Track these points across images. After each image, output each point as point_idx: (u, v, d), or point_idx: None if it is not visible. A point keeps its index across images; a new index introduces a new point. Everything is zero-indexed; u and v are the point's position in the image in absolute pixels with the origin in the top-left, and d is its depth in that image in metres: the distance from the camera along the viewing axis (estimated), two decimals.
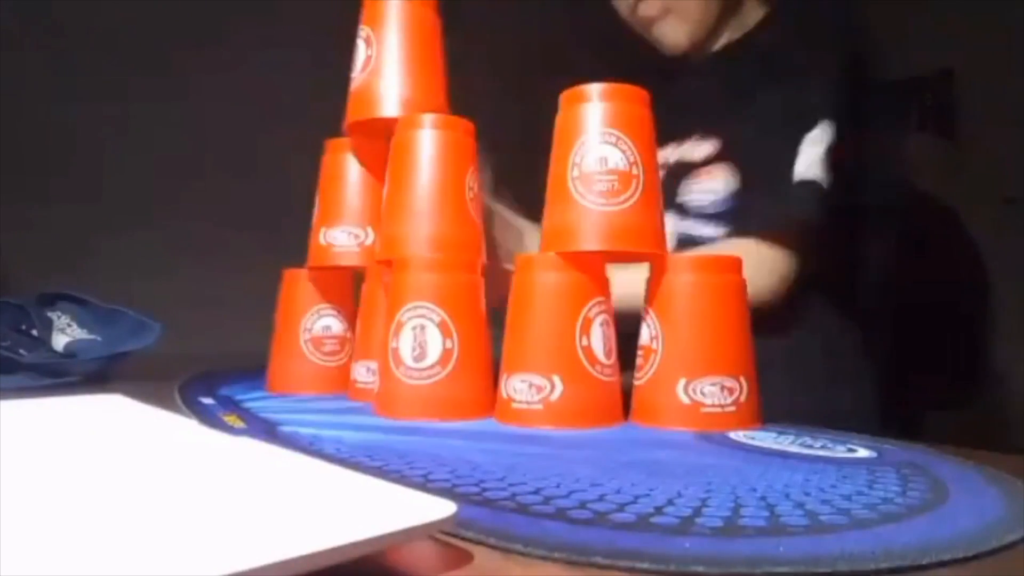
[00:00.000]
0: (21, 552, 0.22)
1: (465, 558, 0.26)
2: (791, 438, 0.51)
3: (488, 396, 0.56)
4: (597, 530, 0.29)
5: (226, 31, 1.77)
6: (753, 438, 0.51)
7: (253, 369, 0.83)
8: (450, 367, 0.54)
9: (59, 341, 0.79)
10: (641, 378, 0.56)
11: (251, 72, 1.80)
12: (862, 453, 0.46)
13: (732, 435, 0.52)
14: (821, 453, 0.46)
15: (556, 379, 0.53)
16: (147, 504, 0.28)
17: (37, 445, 0.40)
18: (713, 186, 0.77)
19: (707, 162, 0.78)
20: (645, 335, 0.56)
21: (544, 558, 0.26)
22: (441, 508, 0.26)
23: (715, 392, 0.53)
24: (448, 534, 0.28)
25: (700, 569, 0.25)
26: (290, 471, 0.32)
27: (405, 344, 0.55)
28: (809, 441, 0.50)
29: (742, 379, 0.54)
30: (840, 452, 0.47)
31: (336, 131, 0.74)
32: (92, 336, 0.81)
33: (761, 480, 0.38)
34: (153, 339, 0.81)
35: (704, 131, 0.80)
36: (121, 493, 0.30)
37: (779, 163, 0.72)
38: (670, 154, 0.82)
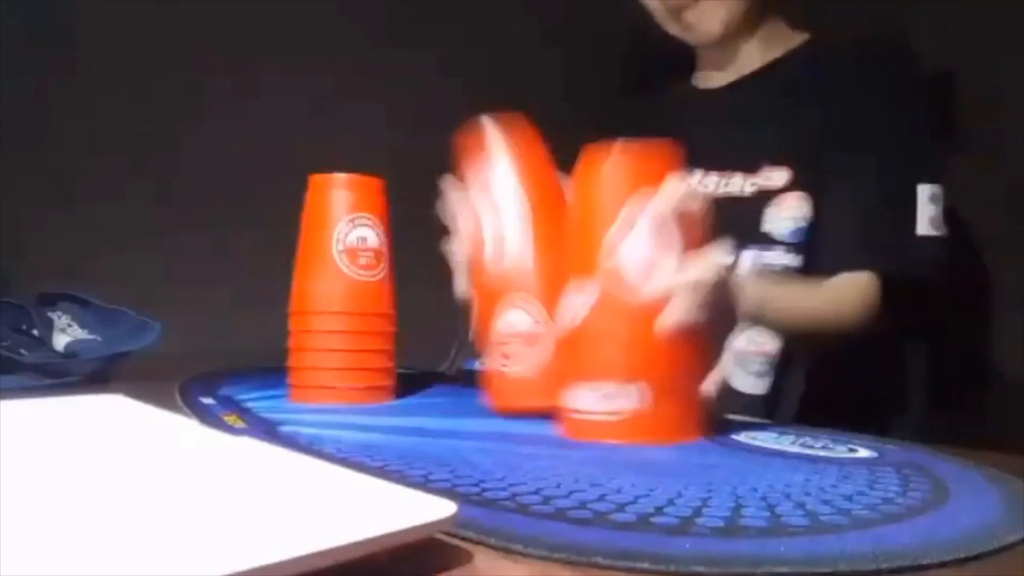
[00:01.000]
0: (22, 552, 0.22)
1: (464, 558, 0.26)
2: (792, 438, 0.51)
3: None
4: (597, 530, 0.29)
5: (242, 42, 1.77)
6: (755, 438, 0.51)
7: (253, 369, 0.83)
8: None
9: (60, 341, 0.79)
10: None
11: (257, 75, 1.80)
12: (863, 453, 0.46)
13: (733, 435, 0.52)
14: (822, 453, 0.46)
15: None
16: (147, 504, 0.28)
17: (38, 445, 0.40)
18: (792, 214, 0.75)
19: (783, 190, 0.76)
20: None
21: (544, 558, 0.26)
22: (441, 508, 0.26)
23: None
24: (448, 534, 0.28)
25: (700, 569, 0.25)
26: (290, 471, 0.32)
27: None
28: (810, 441, 0.50)
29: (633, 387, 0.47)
30: (841, 452, 0.47)
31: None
32: (92, 336, 0.81)
33: (762, 480, 0.38)
34: (153, 339, 0.81)
35: (772, 160, 0.77)
36: (121, 493, 0.30)
37: (895, 209, 0.73)
38: (739, 183, 0.79)
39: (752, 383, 0.77)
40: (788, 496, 0.35)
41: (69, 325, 0.80)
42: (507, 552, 0.27)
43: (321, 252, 0.63)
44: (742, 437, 0.51)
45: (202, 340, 1.05)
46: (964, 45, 2.16)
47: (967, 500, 0.36)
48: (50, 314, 0.81)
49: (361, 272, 0.63)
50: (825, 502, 0.34)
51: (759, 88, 0.82)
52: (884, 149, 0.74)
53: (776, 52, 0.84)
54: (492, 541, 0.27)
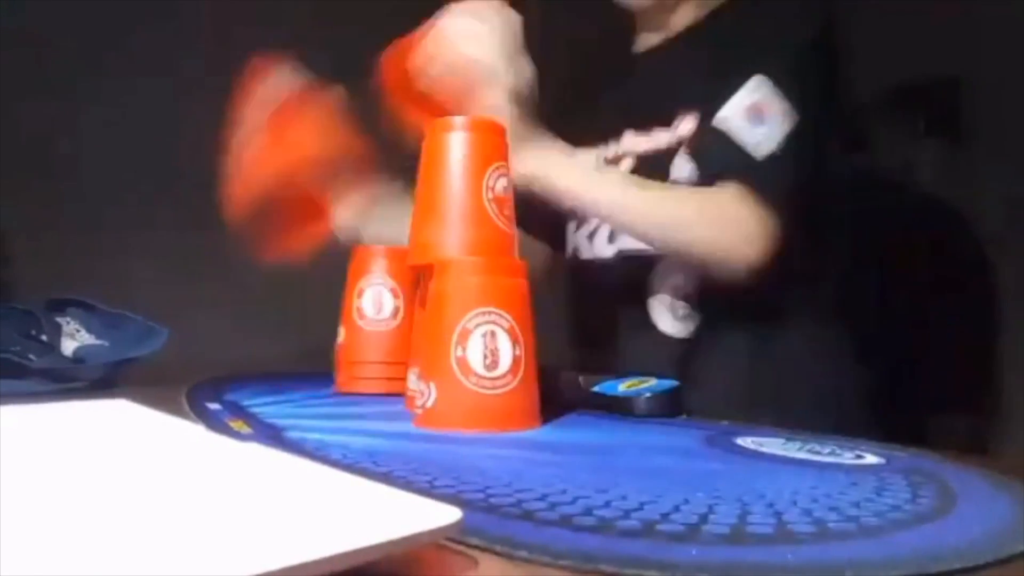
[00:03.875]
0: (28, 556, 0.22)
1: (469, 565, 0.26)
2: (798, 444, 0.50)
3: (538, 405, 0.56)
4: (603, 537, 0.29)
5: (238, 36, 1.77)
6: (760, 444, 0.50)
7: (260, 375, 0.83)
8: (520, 376, 0.53)
9: (67, 346, 0.79)
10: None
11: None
12: (870, 460, 0.46)
13: (739, 441, 0.52)
14: (829, 459, 0.46)
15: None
16: (152, 509, 0.28)
17: (45, 449, 0.41)
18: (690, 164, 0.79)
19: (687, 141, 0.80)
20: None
21: (549, 565, 0.26)
22: (446, 514, 0.26)
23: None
24: (455, 541, 0.28)
25: None
26: (295, 477, 0.32)
27: (475, 352, 0.52)
28: (816, 447, 0.49)
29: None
30: (848, 458, 0.46)
31: None
32: (100, 341, 0.81)
33: (768, 486, 0.38)
34: (160, 344, 0.81)
35: (685, 114, 0.81)
36: (127, 498, 0.30)
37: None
38: (661, 138, 0.82)
39: (678, 327, 0.82)
40: (795, 503, 0.35)
41: (77, 330, 0.81)
42: (512, 559, 0.27)
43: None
44: (748, 443, 0.51)
45: (208, 346, 1.05)
46: (970, 49, 2.15)
47: (975, 507, 0.36)
48: (58, 319, 0.81)
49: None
50: (832, 509, 0.34)
51: (682, 46, 0.85)
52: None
53: (703, 10, 0.86)
54: (498, 548, 0.27)
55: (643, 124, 0.84)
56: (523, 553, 0.26)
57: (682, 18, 0.87)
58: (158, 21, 1.68)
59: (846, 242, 0.90)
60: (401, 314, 0.74)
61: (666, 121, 0.82)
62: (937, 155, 2.12)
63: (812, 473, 0.42)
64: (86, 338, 0.81)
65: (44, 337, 0.79)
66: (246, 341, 1.46)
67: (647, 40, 0.91)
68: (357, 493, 0.29)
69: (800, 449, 0.49)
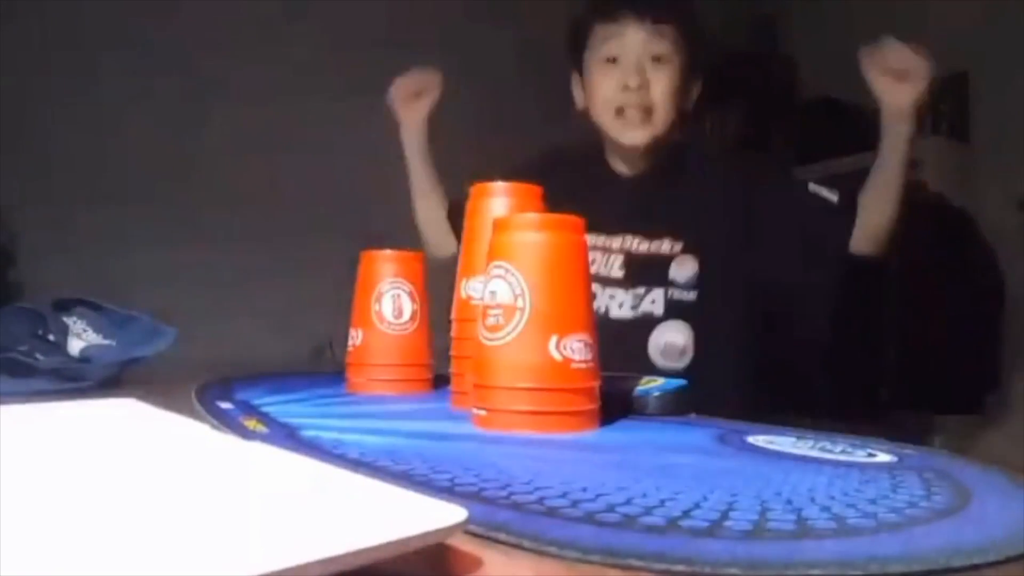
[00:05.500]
0: (34, 554, 0.22)
1: (475, 564, 0.26)
2: (810, 443, 0.51)
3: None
4: (628, 533, 0.29)
5: (253, 43, 1.77)
6: (772, 442, 0.51)
7: (267, 374, 0.83)
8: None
9: (75, 346, 0.79)
10: (503, 336, 0.54)
11: (274, 89, 1.81)
12: (883, 458, 0.47)
13: (751, 439, 0.52)
14: (842, 458, 0.46)
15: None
16: (159, 509, 0.28)
17: (52, 449, 0.41)
18: (688, 270, 1.03)
19: (678, 253, 1.04)
20: (504, 294, 0.54)
21: (579, 560, 0.26)
22: (452, 514, 0.26)
23: (580, 348, 0.54)
24: (480, 536, 0.28)
25: (735, 572, 0.25)
26: (303, 476, 0.32)
27: None
28: (828, 446, 0.50)
29: (590, 337, 0.55)
30: (860, 456, 0.47)
31: None
32: (107, 341, 0.81)
33: (785, 484, 0.38)
34: (167, 344, 0.81)
35: (671, 233, 1.04)
36: (133, 497, 0.30)
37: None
38: (638, 244, 1.06)
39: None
40: (813, 499, 0.35)
41: (84, 330, 0.81)
42: (540, 555, 0.27)
43: None
44: (759, 441, 0.51)
45: (215, 345, 1.05)
46: (978, 48, 2.16)
47: (991, 504, 0.36)
48: (66, 319, 0.81)
49: None
50: (850, 505, 0.34)
51: (659, 181, 1.10)
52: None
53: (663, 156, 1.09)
54: (526, 544, 0.27)
55: (639, 231, 1.05)
56: (553, 549, 0.27)
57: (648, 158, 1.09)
58: (167, 21, 1.68)
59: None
60: (419, 317, 0.75)
61: (650, 233, 1.04)
62: (944, 152, 2.12)
63: (827, 471, 0.42)
64: (93, 338, 0.81)
65: (51, 337, 0.79)
66: (251, 341, 1.46)
67: (619, 165, 1.11)
68: (364, 493, 0.29)
69: (812, 447, 0.49)
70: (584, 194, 1.06)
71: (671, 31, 1.02)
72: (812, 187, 1.02)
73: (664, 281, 1.03)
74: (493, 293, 0.55)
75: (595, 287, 1.02)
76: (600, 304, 1.04)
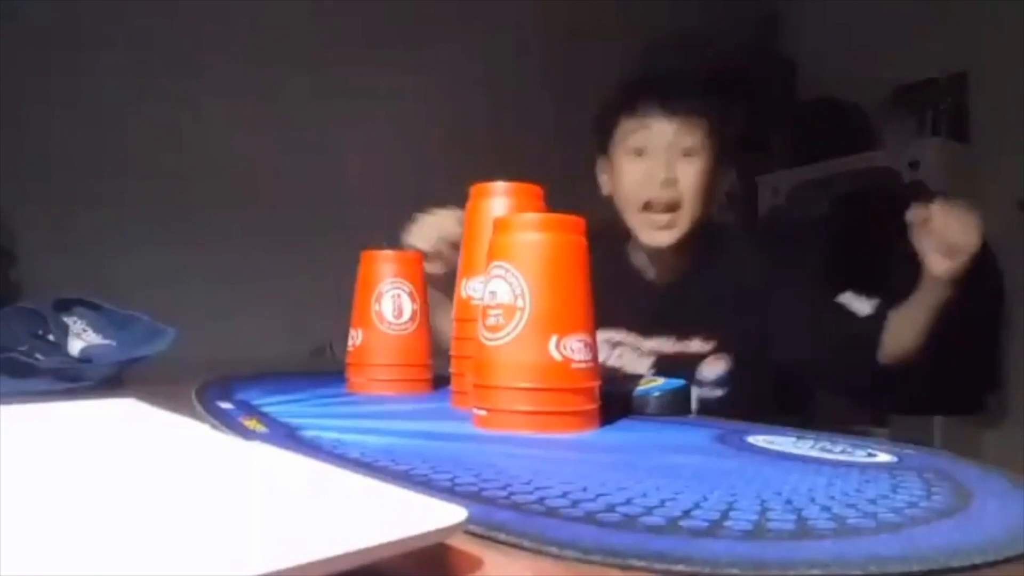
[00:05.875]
0: (34, 554, 0.22)
1: (475, 564, 0.26)
2: (810, 443, 0.51)
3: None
4: (628, 533, 0.29)
5: (253, 43, 1.77)
6: (772, 442, 0.51)
7: (266, 374, 0.83)
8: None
9: (75, 346, 0.79)
10: (503, 336, 0.54)
11: (274, 89, 1.81)
12: (883, 458, 0.47)
13: (750, 439, 0.52)
14: (842, 458, 0.46)
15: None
16: (159, 508, 0.28)
17: (53, 449, 0.41)
18: (718, 369, 1.03)
19: (710, 352, 1.04)
20: (504, 293, 0.54)
21: (580, 560, 0.26)
22: (452, 514, 0.26)
23: (580, 348, 0.54)
24: (479, 536, 0.28)
25: (735, 572, 0.25)
26: (302, 476, 0.32)
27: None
28: (828, 446, 0.50)
29: (590, 337, 0.55)
30: (860, 457, 0.47)
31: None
32: (107, 341, 0.81)
33: (784, 484, 0.38)
34: (167, 344, 0.81)
35: (703, 334, 1.04)
36: (133, 496, 0.30)
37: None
38: (669, 346, 1.05)
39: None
40: (813, 499, 0.35)
41: (84, 330, 0.81)
42: (540, 555, 0.27)
43: None
44: (759, 441, 0.51)
45: (215, 345, 1.05)
46: (978, 48, 2.16)
47: (991, 504, 0.36)
48: (66, 319, 0.81)
49: None
50: (850, 505, 0.34)
51: (688, 283, 1.08)
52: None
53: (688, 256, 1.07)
54: (526, 544, 0.27)
55: (670, 334, 1.04)
56: (553, 549, 0.27)
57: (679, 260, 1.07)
58: (168, 21, 1.68)
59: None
60: (419, 317, 0.75)
61: (688, 335, 1.04)
62: (944, 152, 2.12)
63: (827, 471, 0.42)
64: (93, 338, 0.81)
65: (51, 337, 0.79)
66: (251, 341, 1.46)
67: (658, 261, 1.09)
68: (364, 493, 0.29)
69: (812, 447, 0.49)
70: (612, 294, 1.07)
71: (702, 124, 1.00)
72: (844, 298, 0.99)
73: (690, 380, 1.00)
74: (493, 293, 0.55)
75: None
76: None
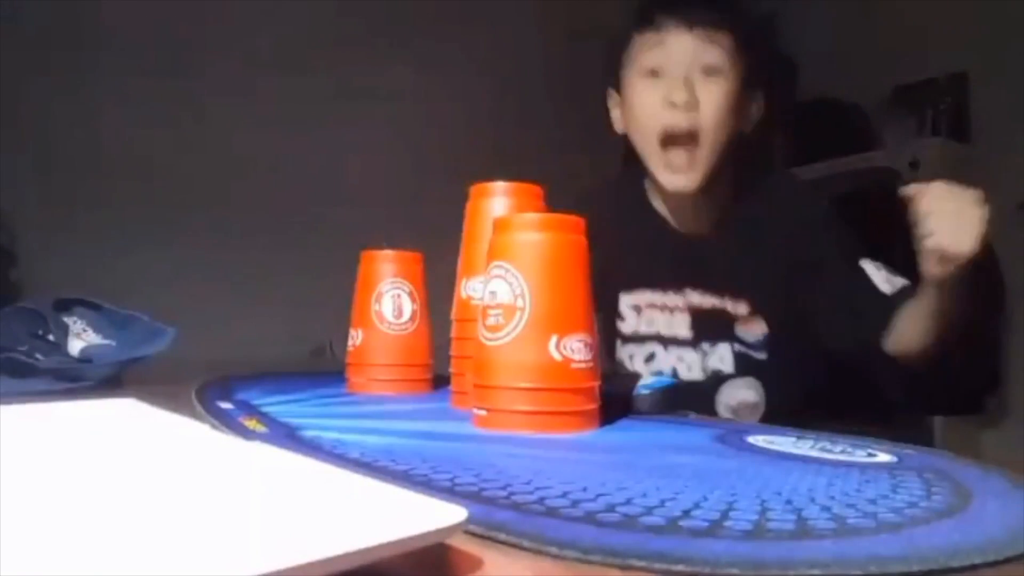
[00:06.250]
0: (33, 555, 0.22)
1: (475, 564, 0.26)
2: (810, 443, 0.51)
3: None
4: (628, 533, 0.29)
5: (253, 44, 1.77)
6: (772, 442, 0.51)
7: (266, 374, 0.83)
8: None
9: (75, 346, 0.79)
10: (503, 336, 0.54)
11: (274, 89, 1.81)
12: (882, 458, 0.47)
13: (750, 439, 0.52)
14: (842, 458, 0.46)
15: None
16: (159, 508, 0.28)
17: (52, 449, 0.41)
18: (756, 331, 0.94)
19: (744, 315, 0.94)
20: (504, 294, 0.54)
21: (579, 560, 0.26)
22: (452, 514, 0.26)
23: (580, 348, 0.54)
24: (480, 537, 0.28)
25: (735, 571, 0.25)
26: (302, 476, 0.32)
27: None
28: (828, 446, 0.50)
29: (590, 337, 0.55)
30: (860, 457, 0.47)
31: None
32: (107, 341, 0.81)
33: (784, 484, 0.38)
34: (167, 344, 0.81)
35: (734, 292, 0.93)
36: (133, 497, 0.30)
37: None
38: (702, 299, 0.95)
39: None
40: (813, 499, 0.35)
41: (84, 330, 0.81)
42: (540, 554, 0.27)
43: None
44: (759, 441, 0.51)
45: (215, 345, 1.05)
46: (978, 48, 2.16)
47: (991, 504, 0.36)
48: (66, 319, 0.81)
49: None
50: (850, 505, 0.34)
51: (716, 237, 0.96)
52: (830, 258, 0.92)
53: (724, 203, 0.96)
54: (527, 544, 0.27)
55: (703, 287, 0.94)
56: (553, 549, 0.27)
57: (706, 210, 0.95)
58: (168, 21, 1.68)
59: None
60: (419, 317, 0.75)
61: (719, 293, 0.94)
62: (944, 152, 2.12)
63: (827, 471, 0.42)
64: (93, 338, 0.81)
65: (51, 337, 0.79)
66: (251, 341, 1.46)
67: (679, 207, 0.98)
68: (364, 493, 0.29)
69: (812, 447, 0.49)
70: (633, 249, 0.97)
71: (726, 39, 0.87)
72: (867, 266, 0.89)
73: (731, 336, 0.93)
74: (493, 293, 0.55)
75: (658, 348, 0.97)
76: (666, 366, 0.96)
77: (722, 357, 0.94)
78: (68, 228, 1.48)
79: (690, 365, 0.95)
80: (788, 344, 0.93)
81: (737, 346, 0.94)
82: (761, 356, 0.93)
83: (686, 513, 0.32)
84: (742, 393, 0.93)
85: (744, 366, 0.93)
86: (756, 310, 0.93)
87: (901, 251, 0.78)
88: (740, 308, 0.93)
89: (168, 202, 1.65)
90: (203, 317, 1.29)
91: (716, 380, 0.94)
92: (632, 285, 0.98)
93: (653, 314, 0.97)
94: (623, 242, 0.96)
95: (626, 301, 0.99)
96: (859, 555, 0.28)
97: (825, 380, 0.99)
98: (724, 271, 0.94)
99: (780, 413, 0.88)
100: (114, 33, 1.58)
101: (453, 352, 0.66)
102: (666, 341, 0.96)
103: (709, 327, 0.94)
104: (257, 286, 1.65)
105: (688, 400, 0.79)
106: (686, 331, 0.95)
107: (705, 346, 0.94)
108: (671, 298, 0.95)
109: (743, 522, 0.31)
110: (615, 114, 0.97)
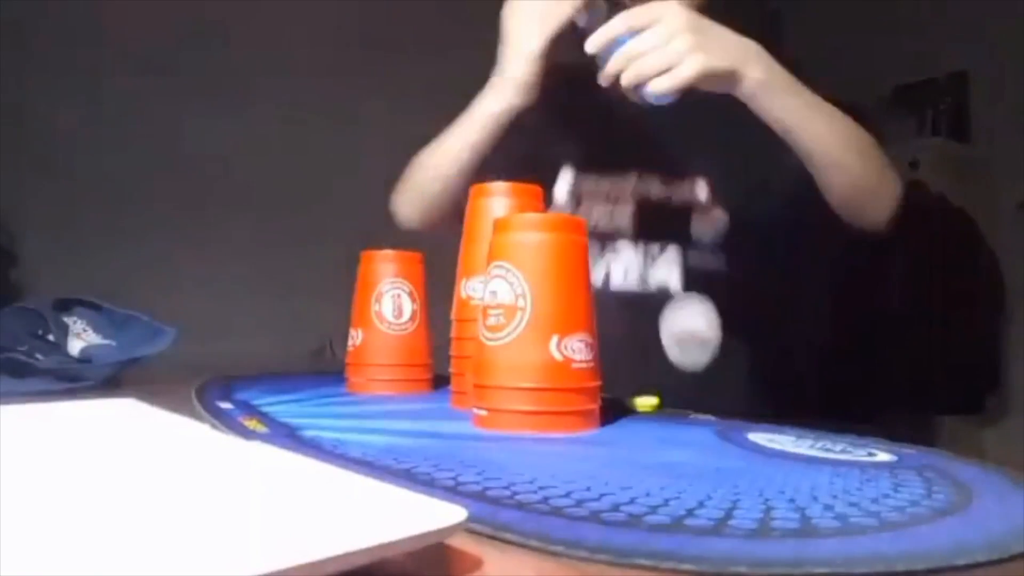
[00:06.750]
0: (33, 555, 0.22)
1: (474, 564, 0.26)
2: (811, 442, 0.51)
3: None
4: (634, 532, 0.29)
5: (254, 45, 1.77)
6: (773, 441, 0.51)
7: (265, 374, 0.83)
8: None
9: (75, 346, 0.79)
10: (503, 336, 0.53)
11: (274, 89, 1.80)
12: (883, 457, 0.47)
13: (752, 437, 0.52)
14: (842, 457, 0.46)
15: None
16: (159, 509, 0.28)
17: (52, 449, 0.41)
18: (714, 223, 0.83)
19: (703, 203, 0.83)
20: (505, 293, 0.54)
21: (586, 560, 0.26)
22: (452, 514, 0.26)
23: (582, 348, 0.54)
24: (486, 536, 0.28)
25: (742, 570, 0.25)
26: (302, 476, 0.32)
27: None
28: (828, 445, 0.50)
29: (591, 337, 0.55)
30: (861, 456, 0.47)
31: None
32: (107, 341, 0.81)
33: (787, 483, 0.38)
34: (167, 344, 0.81)
35: (695, 175, 0.83)
36: (133, 497, 0.30)
37: None
38: (655, 188, 0.83)
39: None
40: (815, 498, 0.35)
41: (84, 330, 0.81)
42: (546, 554, 0.27)
43: None
44: (761, 440, 0.51)
45: (215, 345, 1.05)
46: (979, 48, 2.16)
47: (992, 503, 0.36)
48: (66, 319, 0.81)
49: None
50: (852, 504, 0.34)
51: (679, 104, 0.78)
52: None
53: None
54: (534, 544, 0.27)
55: (655, 171, 0.84)
56: (560, 549, 0.27)
57: None
58: (168, 21, 1.68)
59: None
60: (419, 317, 0.75)
61: (677, 176, 0.83)
62: (944, 152, 2.12)
63: (828, 470, 0.42)
64: (93, 338, 0.81)
65: (51, 337, 0.79)
66: (251, 341, 1.46)
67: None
68: (364, 493, 0.29)
69: (813, 446, 0.49)
70: (583, 122, 0.84)
71: None
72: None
73: (684, 238, 0.80)
74: (494, 293, 0.55)
75: (593, 248, 0.82)
76: (598, 272, 0.82)
77: (669, 267, 0.81)
78: (68, 228, 1.48)
79: (627, 268, 0.82)
80: (746, 247, 0.81)
81: (690, 255, 0.81)
82: (716, 264, 0.81)
83: (690, 512, 0.32)
84: (691, 321, 0.80)
85: (696, 282, 0.81)
86: (718, 197, 0.81)
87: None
88: (700, 194, 0.81)
89: (168, 202, 1.64)
90: (203, 317, 1.28)
91: (660, 299, 0.81)
92: (569, 161, 0.85)
93: (592, 205, 0.84)
94: (572, 116, 0.84)
95: (563, 187, 0.85)
96: (864, 553, 0.28)
97: (782, 312, 0.90)
98: (686, 146, 0.81)
99: (729, 352, 0.78)
100: (114, 33, 1.58)
101: (453, 352, 0.66)
102: (600, 236, 0.82)
103: (658, 225, 0.81)
104: (257, 286, 1.65)
105: (626, 318, 0.71)
106: (626, 222, 0.82)
107: (652, 247, 0.81)
108: (615, 185, 0.83)
109: (747, 521, 0.31)
110: None
